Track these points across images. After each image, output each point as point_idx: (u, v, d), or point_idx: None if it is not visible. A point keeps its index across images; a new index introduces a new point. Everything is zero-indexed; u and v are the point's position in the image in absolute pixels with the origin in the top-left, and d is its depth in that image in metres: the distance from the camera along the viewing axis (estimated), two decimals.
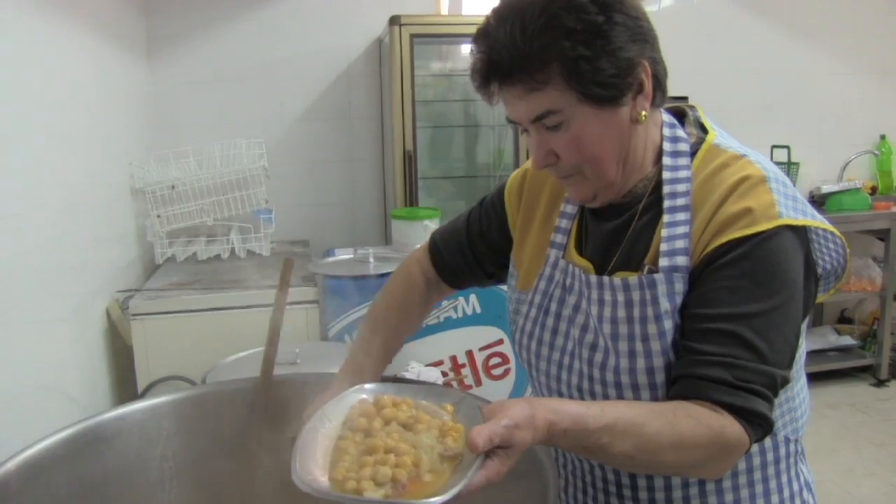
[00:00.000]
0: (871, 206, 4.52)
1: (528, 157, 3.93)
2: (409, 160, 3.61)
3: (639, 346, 1.11)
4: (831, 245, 1.14)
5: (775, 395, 1.04)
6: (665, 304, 1.09)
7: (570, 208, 1.28)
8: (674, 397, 1.05)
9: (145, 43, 3.83)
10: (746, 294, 1.04)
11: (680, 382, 1.05)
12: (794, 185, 1.17)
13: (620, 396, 1.13)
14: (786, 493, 1.23)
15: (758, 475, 1.20)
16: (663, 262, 1.10)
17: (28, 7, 2.14)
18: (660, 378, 1.10)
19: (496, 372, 3.00)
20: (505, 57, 1.06)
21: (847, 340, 4.81)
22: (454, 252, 1.46)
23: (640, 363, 1.11)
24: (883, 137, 4.89)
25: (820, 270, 1.15)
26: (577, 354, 1.20)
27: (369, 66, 4.10)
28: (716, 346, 1.03)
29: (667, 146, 1.17)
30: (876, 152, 4.89)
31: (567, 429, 0.93)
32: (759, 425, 1.02)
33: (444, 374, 2.91)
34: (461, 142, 4.23)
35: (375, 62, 4.09)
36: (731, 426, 1.00)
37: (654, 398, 1.11)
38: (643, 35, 1.09)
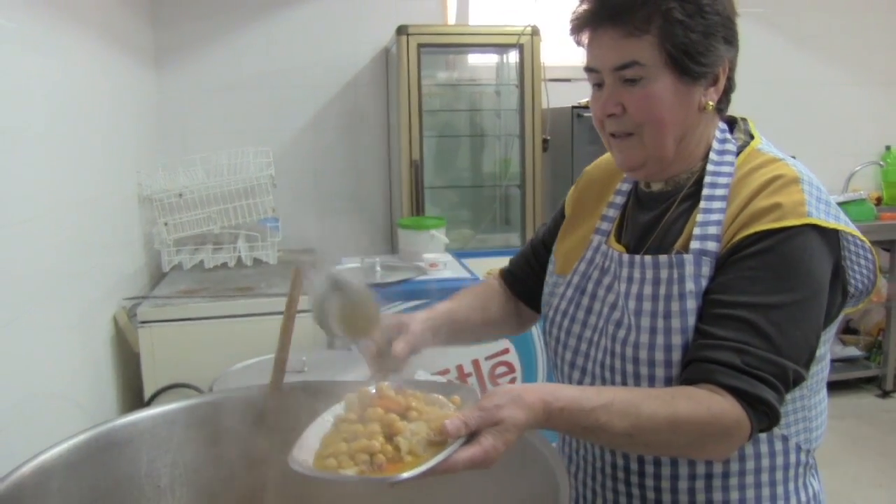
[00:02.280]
0: (876, 217, 4.51)
1: (535, 167, 3.87)
2: (416, 169, 3.62)
3: (660, 323, 1.15)
4: (863, 261, 1.17)
5: (786, 388, 1.06)
6: (690, 285, 1.13)
7: (619, 199, 1.34)
8: (683, 382, 1.08)
9: (153, 52, 3.85)
10: (767, 285, 1.07)
11: (690, 367, 1.08)
12: None
13: (638, 373, 1.17)
14: (792, 502, 1.23)
15: (765, 477, 1.20)
16: (694, 244, 1.15)
17: (37, 17, 2.16)
18: (676, 356, 1.13)
19: (502, 381, 2.99)
20: None
21: (852, 351, 4.80)
22: (522, 265, 1.54)
23: (660, 339, 1.14)
24: (888, 148, 4.89)
25: (852, 289, 1.19)
26: (604, 331, 1.24)
27: (376, 75, 4.12)
28: (729, 331, 1.06)
29: (716, 145, 1.23)
30: (881, 163, 4.89)
31: (563, 407, 0.97)
32: (765, 413, 1.04)
33: (450, 383, 2.91)
34: (467, 151, 4.24)
35: (382, 71, 4.11)
36: (731, 409, 1.01)
37: (669, 376, 1.14)
38: (732, 38, 1.20)
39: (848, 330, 5.08)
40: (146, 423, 1.32)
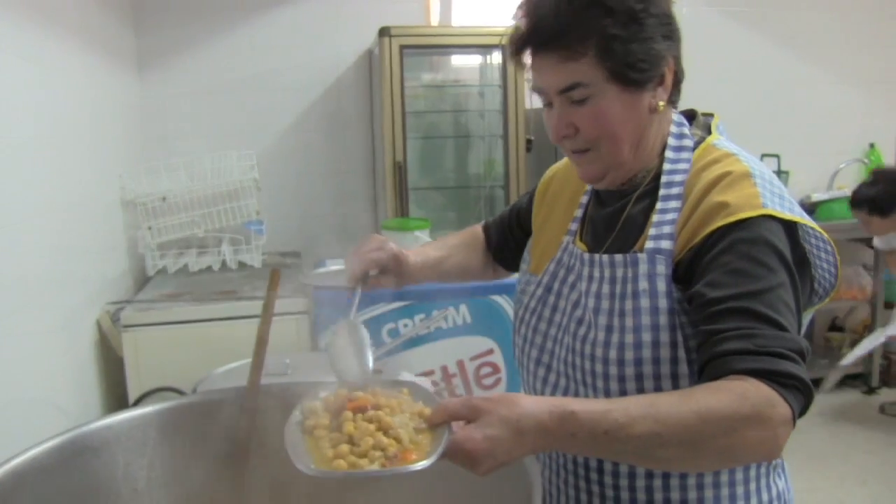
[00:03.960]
0: None
1: (518, 167, 3.89)
2: (400, 171, 3.62)
3: (616, 322, 1.16)
4: (823, 255, 1.17)
5: (804, 359, 1.02)
6: (644, 284, 1.15)
7: (585, 199, 1.36)
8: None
9: (136, 56, 3.83)
10: (749, 274, 1.06)
11: (705, 369, 1.04)
12: None
13: (594, 370, 1.18)
14: (752, 502, 1.22)
15: (724, 477, 1.20)
16: (649, 244, 1.16)
17: (18, 22, 2.15)
18: (629, 355, 1.14)
19: (487, 382, 3.00)
20: (548, 24, 1.14)
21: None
22: (499, 232, 1.61)
23: (615, 338, 1.16)
24: (872, 146, 4.92)
25: (817, 285, 1.18)
26: (567, 329, 1.26)
27: (360, 77, 4.12)
28: (730, 322, 1.03)
29: (671, 142, 1.24)
30: (865, 161, 4.91)
31: (576, 411, 0.93)
32: (796, 388, 0.98)
33: (435, 383, 2.92)
34: (452, 152, 4.24)
35: (366, 73, 4.11)
36: (755, 389, 0.95)
37: (622, 375, 1.15)
38: (672, 33, 1.20)
39: (834, 327, 5.10)
40: (121, 426, 1.32)
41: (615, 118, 1.16)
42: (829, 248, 1.17)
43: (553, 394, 1.29)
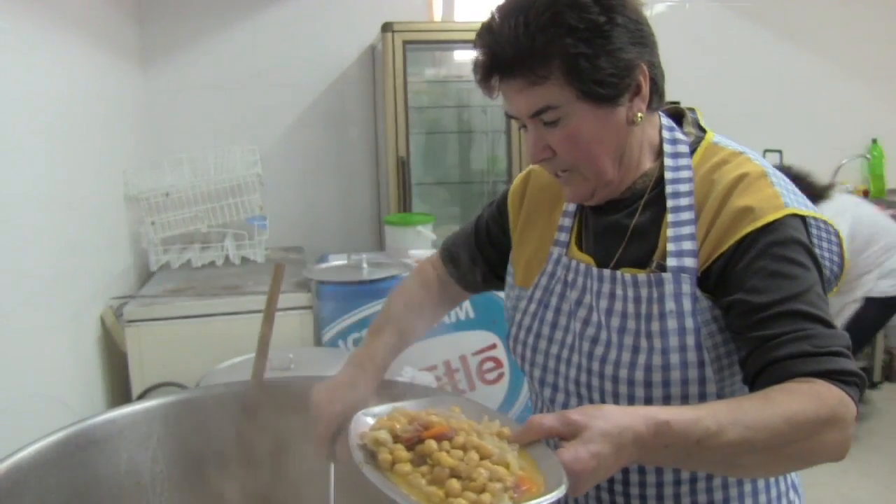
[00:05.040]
0: None
1: (521, 163, 3.90)
2: (403, 166, 3.62)
3: (643, 343, 1.12)
4: (826, 244, 1.17)
5: (852, 353, 1.02)
6: (671, 304, 1.11)
7: (572, 206, 1.30)
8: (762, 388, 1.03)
9: (139, 51, 3.84)
10: (788, 276, 1.05)
11: (762, 375, 1.02)
12: None
13: (617, 392, 1.15)
14: (773, 493, 1.24)
15: None
16: (671, 262, 1.12)
17: (22, 17, 2.15)
18: (656, 377, 1.11)
19: (490, 377, 3.01)
20: (508, 51, 1.09)
21: None
22: (465, 255, 1.48)
23: (641, 359, 1.12)
24: (874, 141, 4.91)
25: (827, 272, 1.17)
26: (576, 348, 1.21)
27: (363, 72, 4.11)
28: (782, 327, 1.02)
29: (667, 147, 1.20)
30: (867, 156, 4.90)
31: (669, 420, 0.89)
32: (855, 383, 0.98)
33: (438, 378, 2.92)
34: (455, 148, 4.24)
35: (369, 69, 4.11)
36: (826, 390, 0.95)
37: (649, 397, 1.12)
38: (643, 39, 1.12)
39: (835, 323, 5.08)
40: (125, 420, 1.33)
41: (591, 137, 1.12)
42: (833, 238, 1.17)
43: None
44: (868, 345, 4.41)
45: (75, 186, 2.54)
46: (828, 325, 1.02)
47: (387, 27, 3.53)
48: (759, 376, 1.03)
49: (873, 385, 4.60)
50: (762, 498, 1.22)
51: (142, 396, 2.55)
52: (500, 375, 3.01)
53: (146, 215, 3.25)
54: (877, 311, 3.96)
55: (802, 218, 1.11)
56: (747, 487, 1.21)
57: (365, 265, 3.02)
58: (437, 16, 4.14)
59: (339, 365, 2.22)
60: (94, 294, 2.70)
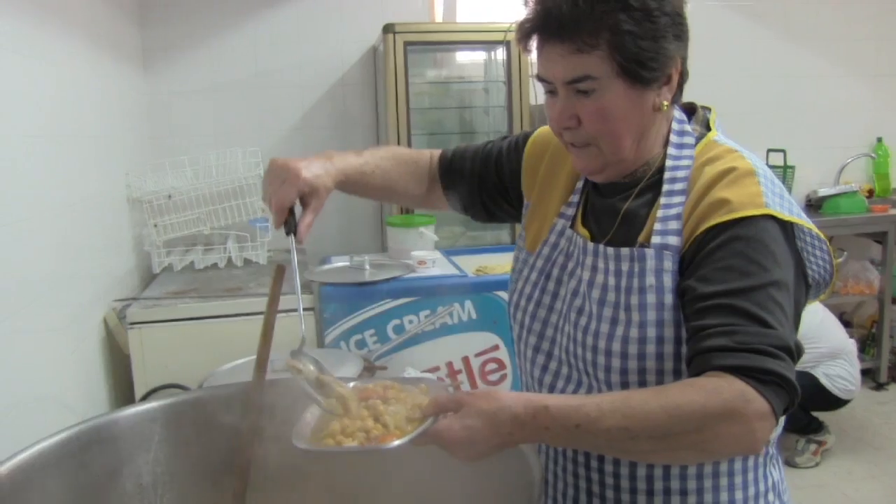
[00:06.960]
0: (867, 209, 4.51)
1: None
2: None
3: (621, 315, 1.16)
4: (818, 252, 1.18)
5: (792, 357, 1.02)
6: (651, 279, 1.14)
7: (580, 184, 1.34)
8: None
9: (141, 53, 3.84)
10: (740, 271, 1.06)
11: (691, 365, 1.06)
12: (790, 189, 1.21)
13: (596, 362, 1.18)
14: (750, 492, 1.24)
15: (723, 467, 1.21)
16: (655, 239, 1.16)
17: (23, 19, 2.16)
18: (632, 349, 1.15)
19: (492, 378, 3.00)
20: (563, 13, 1.11)
21: None
22: (464, 158, 1.53)
23: (619, 331, 1.16)
24: (879, 140, 4.90)
25: (811, 280, 1.19)
26: (567, 317, 1.26)
27: (364, 74, 4.12)
28: (715, 318, 1.04)
29: (674, 138, 1.24)
30: (872, 155, 4.89)
31: (549, 405, 0.99)
32: (777, 384, 0.98)
33: (441, 379, 2.92)
34: None
35: (370, 70, 4.11)
36: (727, 384, 0.97)
37: (625, 368, 1.15)
38: (682, 34, 1.19)
39: (841, 322, 5.08)
40: (127, 421, 1.33)
41: (619, 115, 1.15)
42: (823, 246, 1.17)
43: (554, 382, 1.29)
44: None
45: (78, 189, 2.54)
46: (765, 324, 1.02)
47: (388, 28, 3.53)
48: (689, 365, 1.06)
49: (880, 386, 4.60)
50: (738, 494, 1.22)
51: (144, 398, 2.55)
52: (503, 377, 3.01)
53: (149, 217, 3.25)
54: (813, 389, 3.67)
55: (783, 223, 1.11)
56: (723, 481, 1.21)
57: (367, 267, 3.02)
58: (439, 17, 4.14)
59: (341, 365, 2.23)
60: (97, 296, 2.70)
